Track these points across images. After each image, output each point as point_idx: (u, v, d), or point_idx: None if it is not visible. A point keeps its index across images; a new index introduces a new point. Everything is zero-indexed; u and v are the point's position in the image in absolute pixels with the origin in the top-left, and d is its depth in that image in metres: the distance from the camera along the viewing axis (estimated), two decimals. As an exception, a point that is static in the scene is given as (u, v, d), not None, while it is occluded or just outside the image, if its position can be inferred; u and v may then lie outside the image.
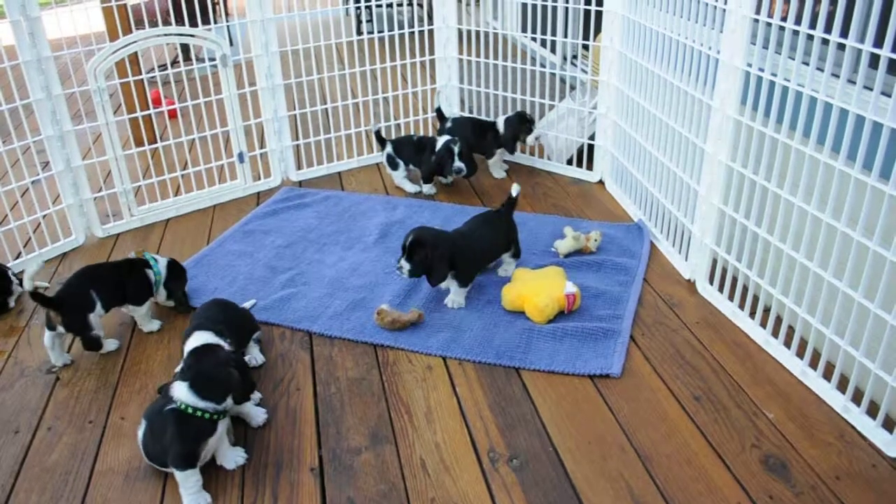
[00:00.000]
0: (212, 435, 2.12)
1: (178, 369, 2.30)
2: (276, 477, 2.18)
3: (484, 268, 3.13)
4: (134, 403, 2.52)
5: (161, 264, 2.94)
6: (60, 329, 2.67)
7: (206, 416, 2.09)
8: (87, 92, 3.49)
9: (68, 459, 2.29)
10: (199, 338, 2.32)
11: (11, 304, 3.14)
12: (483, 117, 4.39)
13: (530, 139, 4.08)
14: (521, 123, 4.05)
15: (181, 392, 2.10)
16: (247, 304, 2.98)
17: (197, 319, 2.54)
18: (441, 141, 3.94)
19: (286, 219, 3.80)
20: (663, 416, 2.35)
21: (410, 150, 4.11)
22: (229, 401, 2.16)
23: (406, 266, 2.84)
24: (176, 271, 3.00)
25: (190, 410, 2.08)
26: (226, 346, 2.32)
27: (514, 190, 3.17)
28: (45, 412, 2.51)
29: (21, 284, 3.09)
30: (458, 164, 3.87)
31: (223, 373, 2.16)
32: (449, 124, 4.28)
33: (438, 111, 4.37)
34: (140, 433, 2.20)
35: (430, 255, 2.81)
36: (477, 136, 4.17)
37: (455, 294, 2.97)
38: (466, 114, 4.57)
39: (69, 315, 2.66)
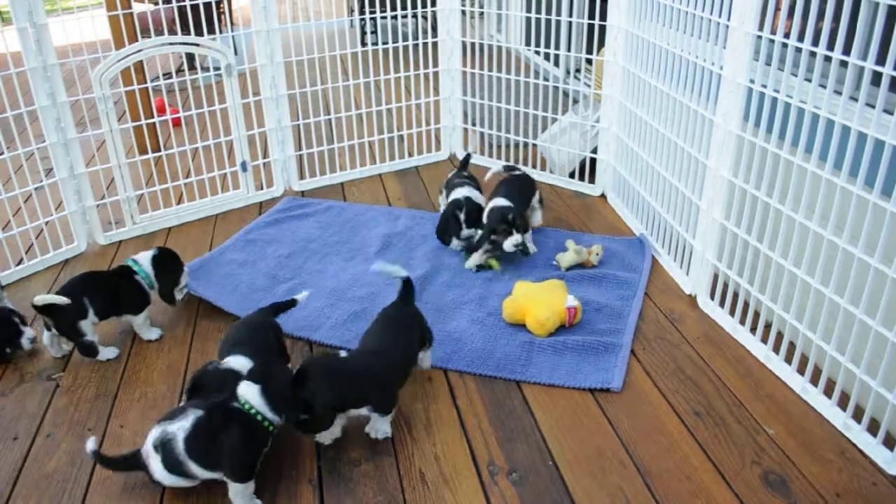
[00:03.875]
0: (266, 448, 1.97)
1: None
2: (275, 488, 2.17)
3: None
4: (133, 411, 2.51)
5: (145, 263, 2.89)
6: (55, 330, 2.73)
7: (271, 428, 1.96)
8: (91, 99, 3.51)
9: (67, 467, 2.29)
10: (237, 362, 2.22)
11: (25, 346, 2.79)
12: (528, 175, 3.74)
13: (507, 244, 3.18)
14: (499, 223, 3.21)
15: (251, 394, 1.90)
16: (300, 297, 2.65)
17: (231, 342, 2.38)
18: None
19: (288, 228, 3.80)
20: (663, 431, 2.35)
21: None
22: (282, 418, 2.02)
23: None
24: (163, 263, 2.93)
25: (259, 417, 1.91)
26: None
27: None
28: (45, 419, 2.50)
29: (25, 324, 2.83)
30: (465, 231, 3.42)
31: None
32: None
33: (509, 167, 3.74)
34: (182, 439, 1.93)
35: (314, 399, 2.09)
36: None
37: (380, 423, 2.32)
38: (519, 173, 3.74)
39: (60, 321, 2.70)
